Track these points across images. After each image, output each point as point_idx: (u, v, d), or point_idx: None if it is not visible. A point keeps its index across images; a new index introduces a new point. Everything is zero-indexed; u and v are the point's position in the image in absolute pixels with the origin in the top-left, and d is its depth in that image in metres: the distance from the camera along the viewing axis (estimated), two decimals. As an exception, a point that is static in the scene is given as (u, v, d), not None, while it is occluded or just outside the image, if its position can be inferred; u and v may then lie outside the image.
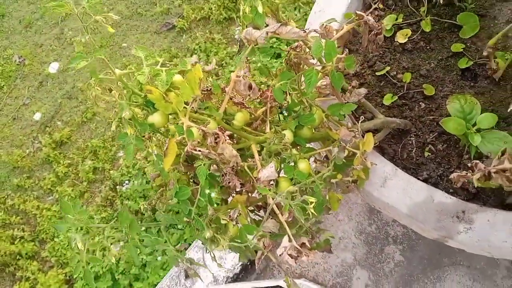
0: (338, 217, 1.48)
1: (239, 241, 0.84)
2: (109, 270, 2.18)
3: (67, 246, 2.47)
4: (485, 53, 1.04)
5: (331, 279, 1.38)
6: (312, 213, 0.71)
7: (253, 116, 0.94)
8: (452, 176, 0.76)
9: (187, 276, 1.58)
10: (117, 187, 2.54)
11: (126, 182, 2.55)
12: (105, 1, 3.29)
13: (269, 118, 0.93)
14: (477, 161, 0.69)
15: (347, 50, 1.06)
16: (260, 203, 0.95)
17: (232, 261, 1.45)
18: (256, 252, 0.91)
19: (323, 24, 0.84)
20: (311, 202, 0.70)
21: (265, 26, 0.83)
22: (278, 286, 1.09)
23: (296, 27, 0.84)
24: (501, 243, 0.88)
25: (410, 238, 1.40)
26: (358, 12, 0.90)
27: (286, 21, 0.82)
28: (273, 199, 0.76)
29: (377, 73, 1.16)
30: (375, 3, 1.21)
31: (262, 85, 2.14)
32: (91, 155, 2.69)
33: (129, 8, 3.16)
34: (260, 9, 0.77)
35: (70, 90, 2.97)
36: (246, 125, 0.91)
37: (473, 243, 0.90)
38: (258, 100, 0.95)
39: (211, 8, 2.82)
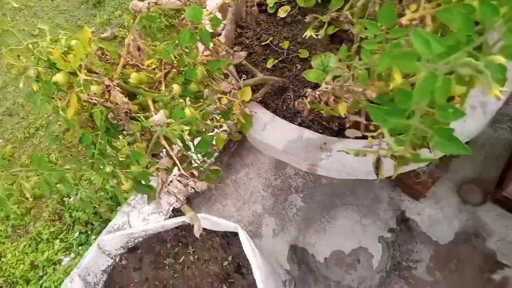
0: (249, 176, 1.68)
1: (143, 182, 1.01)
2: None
3: (15, 264, 2.43)
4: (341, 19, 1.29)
5: (244, 228, 1.58)
6: (187, 139, 0.90)
7: (152, 78, 1.12)
8: (296, 104, 0.98)
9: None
10: (65, 199, 2.53)
11: (74, 194, 2.53)
12: (43, 14, 3.30)
13: (165, 80, 1.11)
14: (310, 89, 0.91)
15: (219, 14, 1.23)
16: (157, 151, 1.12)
17: (154, 221, 1.61)
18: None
19: (198, -4, 1.03)
20: (185, 130, 0.89)
21: (149, -1, 1.01)
22: (183, 221, 1.26)
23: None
24: (353, 164, 1.12)
25: (309, 187, 1.63)
26: (228, -13, 1.10)
27: (165, -7, 1.00)
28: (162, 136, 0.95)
29: (263, 43, 1.37)
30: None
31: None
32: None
33: (68, 21, 3.20)
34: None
35: (10, 106, 2.95)
36: (147, 86, 1.09)
37: (333, 166, 1.13)
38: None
39: (151, 17, 2.94)
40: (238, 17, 1.43)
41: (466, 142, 1.49)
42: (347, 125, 0.93)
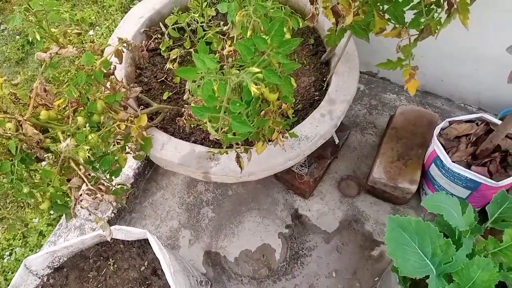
0: (165, 197, 1.90)
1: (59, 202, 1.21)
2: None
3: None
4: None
5: (163, 243, 1.78)
6: (89, 156, 1.12)
7: (62, 115, 1.34)
8: (179, 121, 1.25)
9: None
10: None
11: (7, 254, 2.48)
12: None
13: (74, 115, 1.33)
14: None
15: (115, 59, 1.48)
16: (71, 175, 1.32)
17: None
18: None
19: (92, 45, 1.29)
20: (86, 149, 1.11)
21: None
22: (100, 236, 1.44)
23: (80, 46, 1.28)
24: (235, 168, 1.39)
25: (218, 199, 1.88)
26: (120, 37, 1.38)
27: (64, 45, 1.25)
28: (70, 158, 1.16)
29: (159, 80, 1.65)
30: (154, 35, 1.72)
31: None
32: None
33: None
34: (38, 37, 1.19)
35: None
36: (60, 121, 1.30)
37: (221, 172, 1.39)
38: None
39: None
40: (137, 60, 1.70)
41: (337, 145, 1.83)
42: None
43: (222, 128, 0.83)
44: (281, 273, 1.70)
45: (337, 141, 1.87)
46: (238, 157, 1.13)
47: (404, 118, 1.79)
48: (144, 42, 1.68)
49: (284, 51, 0.85)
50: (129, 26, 1.69)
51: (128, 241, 1.50)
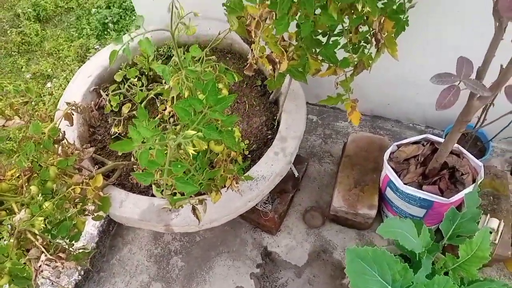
0: (132, 251, 1.87)
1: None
2: None
3: None
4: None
5: (134, 299, 1.74)
6: (45, 225, 1.11)
7: (16, 185, 1.32)
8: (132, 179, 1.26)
9: None
10: None
11: None
12: None
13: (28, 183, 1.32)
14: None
15: (66, 122, 1.49)
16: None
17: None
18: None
19: (39, 112, 1.30)
20: (40, 220, 1.10)
21: None
22: None
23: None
24: (194, 218, 1.40)
25: (186, 247, 1.87)
26: (67, 101, 1.39)
27: (11, 117, 1.26)
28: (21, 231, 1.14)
29: (113, 136, 1.66)
30: (105, 91, 1.74)
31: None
32: None
33: None
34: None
35: None
36: (14, 191, 1.28)
37: (183, 223, 1.40)
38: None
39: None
40: (88, 120, 1.71)
41: (297, 178, 1.88)
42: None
43: (168, 188, 0.85)
44: (257, 314, 1.69)
45: (296, 174, 1.92)
46: (194, 209, 1.14)
47: (356, 145, 1.86)
48: (94, 100, 1.70)
49: (221, 108, 0.89)
50: (78, 87, 1.70)
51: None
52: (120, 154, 1.59)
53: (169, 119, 1.02)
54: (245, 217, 1.89)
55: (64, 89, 2.69)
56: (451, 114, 2.02)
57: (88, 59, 2.72)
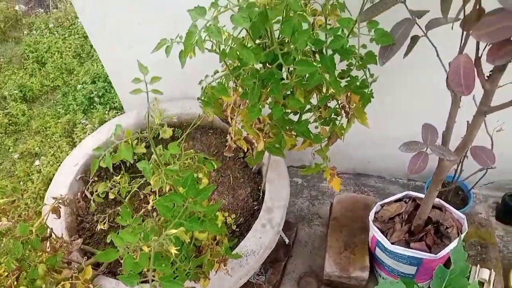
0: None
1: None
2: None
3: None
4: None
5: None
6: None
7: (3, 284, 1.31)
8: (121, 271, 1.26)
9: None
10: None
11: None
12: None
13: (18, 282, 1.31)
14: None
15: (53, 215, 1.50)
16: None
17: None
18: None
19: (26, 212, 1.32)
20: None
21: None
22: None
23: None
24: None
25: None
26: (54, 196, 1.42)
27: (-2, 218, 1.27)
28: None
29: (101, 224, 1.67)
30: (91, 180, 1.78)
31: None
32: None
33: None
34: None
35: None
36: None
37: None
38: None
39: None
40: (75, 211, 1.72)
41: (288, 245, 1.89)
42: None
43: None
44: None
45: (287, 241, 1.93)
46: (184, 297, 1.14)
47: (341, 206, 1.90)
48: (81, 189, 1.73)
49: (202, 199, 0.93)
50: (64, 177, 1.74)
51: None
52: (109, 241, 1.59)
53: (152, 212, 1.05)
54: (240, 291, 1.87)
55: (53, 166, 2.73)
56: (430, 165, 2.11)
57: (76, 135, 2.77)
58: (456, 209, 1.68)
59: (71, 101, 3.17)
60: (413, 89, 1.76)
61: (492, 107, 1.13)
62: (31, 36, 3.86)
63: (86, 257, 1.45)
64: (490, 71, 1.09)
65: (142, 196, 1.32)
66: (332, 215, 1.88)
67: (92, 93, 3.16)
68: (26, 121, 3.08)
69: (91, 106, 3.12)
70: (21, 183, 2.66)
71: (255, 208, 1.70)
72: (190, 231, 0.95)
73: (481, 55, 1.04)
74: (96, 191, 1.10)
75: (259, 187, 1.75)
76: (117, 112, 3.00)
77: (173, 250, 0.80)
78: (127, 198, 1.14)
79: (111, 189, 1.09)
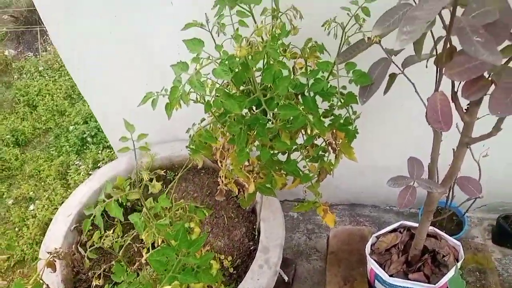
0: None
1: None
2: None
3: None
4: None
5: None
6: None
7: None
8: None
9: None
10: None
11: None
12: None
13: None
14: None
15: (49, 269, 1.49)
16: None
17: None
18: None
19: (21, 270, 1.31)
20: None
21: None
22: None
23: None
24: None
25: None
26: (49, 251, 1.41)
27: (-8, 278, 1.26)
28: None
29: (97, 274, 1.65)
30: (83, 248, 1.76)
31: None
32: None
33: None
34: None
35: None
36: None
37: None
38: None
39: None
40: (71, 263, 1.71)
41: (287, 282, 1.87)
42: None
43: None
44: None
45: (286, 278, 1.91)
46: None
47: (338, 240, 1.90)
48: (76, 239, 1.72)
49: (194, 250, 0.93)
50: (59, 228, 1.73)
51: None
52: (105, 291, 1.58)
53: (146, 265, 1.05)
54: (241, 333, 1.83)
55: (48, 209, 2.71)
56: (422, 192, 2.12)
57: (70, 177, 2.76)
58: (452, 235, 1.69)
59: (63, 142, 3.19)
60: (396, 123, 1.80)
61: (473, 139, 1.16)
62: (21, 80, 3.92)
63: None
64: (468, 104, 1.13)
65: (136, 249, 1.32)
66: (329, 250, 1.88)
67: (85, 133, 3.18)
68: (19, 165, 3.09)
69: (84, 147, 3.14)
70: (16, 229, 2.63)
71: (251, 248, 1.69)
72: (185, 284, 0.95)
73: (457, 90, 1.08)
74: (91, 245, 1.10)
75: (254, 226, 1.75)
76: (111, 151, 3.02)
77: (167, 306, 0.80)
78: (120, 251, 1.14)
79: (103, 243, 1.09)
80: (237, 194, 1.69)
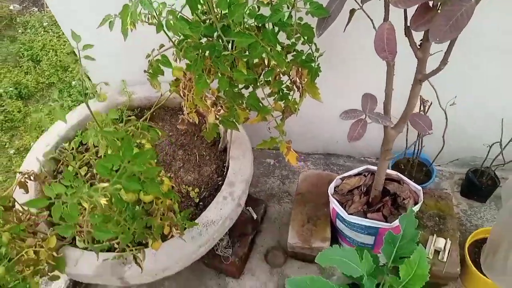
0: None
1: None
2: None
3: None
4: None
5: None
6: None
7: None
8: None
9: None
10: None
11: None
12: None
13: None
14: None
15: None
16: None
17: None
18: None
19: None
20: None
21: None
22: None
23: None
24: (148, 266, 1.46)
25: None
26: (20, 171, 1.49)
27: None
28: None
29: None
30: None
31: None
32: None
33: None
34: None
35: None
36: None
37: (136, 273, 1.45)
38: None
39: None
40: (50, 184, 1.79)
41: (256, 220, 1.95)
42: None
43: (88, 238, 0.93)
44: None
45: (255, 216, 1.99)
46: (134, 258, 1.21)
47: (307, 182, 1.96)
48: (52, 167, 1.80)
49: (141, 161, 0.99)
50: (35, 155, 1.80)
51: None
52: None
53: (97, 175, 1.12)
54: (209, 264, 1.94)
55: None
56: (397, 146, 2.16)
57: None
58: (421, 184, 1.74)
59: (66, 97, 3.24)
60: (360, 63, 1.79)
61: (426, 75, 1.19)
62: (25, 34, 3.93)
63: (52, 229, 1.51)
64: (420, 40, 1.15)
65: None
66: (297, 191, 1.95)
67: (87, 89, 3.22)
68: (22, 117, 3.16)
69: (87, 102, 3.19)
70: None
71: (219, 183, 1.76)
72: (132, 191, 1.01)
73: (410, 24, 1.10)
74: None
75: (225, 164, 1.82)
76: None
77: (103, 201, 0.86)
78: (75, 159, 1.20)
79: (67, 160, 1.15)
80: (201, 127, 1.72)
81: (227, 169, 1.76)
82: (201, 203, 1.70)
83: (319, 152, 2.35)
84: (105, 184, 0.87)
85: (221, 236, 1.64)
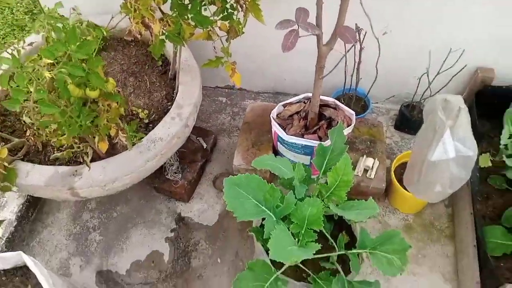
0: (52, 232, 1.96)
1: None
2: None
3: None
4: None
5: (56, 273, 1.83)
6: None
7: None
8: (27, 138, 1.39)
9: None
10: None
11: None
12: None
13: None
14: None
15: None
16: None
17: None
18: None
19: None
20: None
21: None
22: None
23: None
24: (98, 177, 1.54)
25: (104, 222, 1.98)
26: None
27: None
28: None
29: (22, 121, 1.76)
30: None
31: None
32: None
33: None
34: None
35: None
36: None
37: (85, 184, 1.53)
38: None
39: None
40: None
41: (206, 149, 2.05)
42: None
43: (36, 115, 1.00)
44: (172, 271, 1.83)
45: (204, 145, 2.10)
46: (82, 157, 1.29)
47: (253, 113, 2.08)
48: None
49: (84, 52, 1.06)
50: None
51: (9, 270, 1.54)
52: (28, 135, 1.70)
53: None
54: (159, 189, 2.04)
55: None
56: (338, 82, 2.31)
57: None
58: (357, 115, 1.89)
59: None
60: None
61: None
62: None
63: (3, 143, 1.55)
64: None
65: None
66: (244, 120, 2.07)
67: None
68: None
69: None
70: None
71: (168, 108, 1.84)
72: (77, 82, 1.08)
73: None
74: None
75: (175, 91, 1.89)
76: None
77: (47, 74, 0.93)
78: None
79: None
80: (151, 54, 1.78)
81: (176, 94, 1.84)
82: (150, 124, 1.78)
83: (269, 91, 2.47)
84: (49, 60, 0.94)
85: (170, 154, 1.73)
